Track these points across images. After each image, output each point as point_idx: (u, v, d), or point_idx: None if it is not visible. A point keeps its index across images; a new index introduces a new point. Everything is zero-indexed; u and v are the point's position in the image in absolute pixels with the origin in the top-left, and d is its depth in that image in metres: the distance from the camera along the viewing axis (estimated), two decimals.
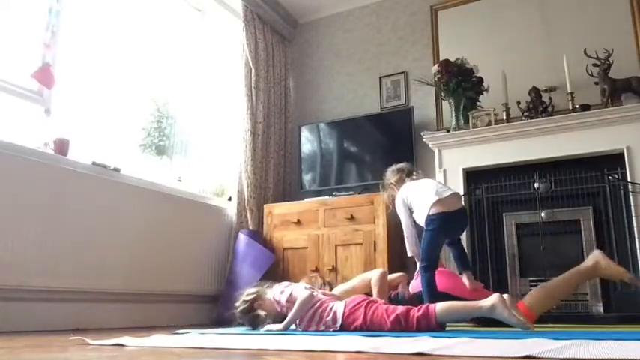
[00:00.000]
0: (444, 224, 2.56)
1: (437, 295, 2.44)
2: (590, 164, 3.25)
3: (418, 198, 2.68)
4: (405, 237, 2.77)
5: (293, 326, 2.29)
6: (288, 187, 4.39)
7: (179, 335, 2.08)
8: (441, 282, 2.54)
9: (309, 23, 4.84)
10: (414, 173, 2.92)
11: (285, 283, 2.43)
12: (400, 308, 2.06)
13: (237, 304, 2.41)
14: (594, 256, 2.47)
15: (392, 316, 2.03)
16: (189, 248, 3.54)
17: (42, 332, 2.44)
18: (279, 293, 2.33)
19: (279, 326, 2.24)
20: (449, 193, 2.61)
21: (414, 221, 2.74)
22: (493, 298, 1.97)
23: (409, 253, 2.78)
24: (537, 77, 3.60)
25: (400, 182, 2.89)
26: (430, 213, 2.54)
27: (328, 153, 4.27)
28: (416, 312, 2.01)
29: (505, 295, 2.01)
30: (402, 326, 2.00)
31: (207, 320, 3.63)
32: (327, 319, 2.17)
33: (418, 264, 2.66)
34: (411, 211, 2.73)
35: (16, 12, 2.94)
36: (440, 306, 2.02)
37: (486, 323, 2.33)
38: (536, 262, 3.32)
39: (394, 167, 3.00)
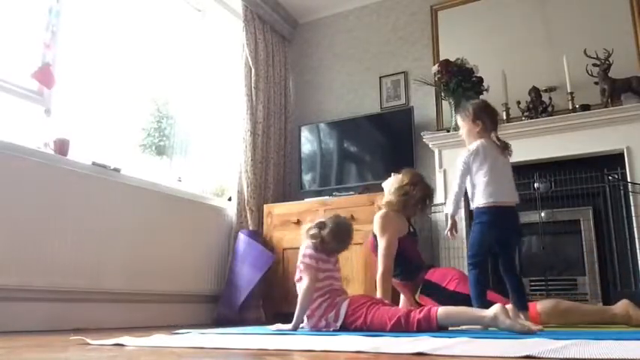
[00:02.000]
0: (499, 221, 2.35)
1: (484, 299, 2.28)
2: (590, 164, 3.26)
3: (487, 178, 2.38)
4: (454, 193, 2.47)
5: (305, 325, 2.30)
6: (288, 187, 4.39)
7: (179, 335, 2.08)
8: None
9: (309, 23, 4.84)
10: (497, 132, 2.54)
11: (311, 251, 2.29)
12: (402, 310, 2.07)
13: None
14: (624, 306, 2.30)
15: (393, 318, 2.03)
16: (189, 248, 3.54)
17: (42, 332, 2.44)
18: (306, 249, 2.31)
19: (289, 326, 2.24)
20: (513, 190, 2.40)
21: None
22: (495, 309, 1.92)
23: (450, 211, 2.50)
24: (537, 77, 3.60)
25: (481, 133, 2.49)
26: (490, 204, 2.33)
27: (328, 153, 4.27)
28: (417, 314, 2.01)
29: (508, 306, 2.00)
30: (402, 328, 2.00)
31: (208, 320, 3.63)
32: (330, 315, 2.17)
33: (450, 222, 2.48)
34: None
35: (16, 12, 2.94)
36: (442, 310, 2.01)
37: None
38: (536, 262, 3.32)
39: (482, 103, 2.62)
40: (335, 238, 2.29)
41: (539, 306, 2.37)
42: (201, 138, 4.22)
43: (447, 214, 2.57)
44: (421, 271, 2.68)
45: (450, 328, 2.08)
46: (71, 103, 3.16)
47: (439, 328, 1.98)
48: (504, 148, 2.49)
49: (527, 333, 1.87)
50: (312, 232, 2.30)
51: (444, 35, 4.14)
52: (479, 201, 2.41)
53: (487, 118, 2.51)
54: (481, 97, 3.72)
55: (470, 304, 2.32)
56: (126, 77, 3.58)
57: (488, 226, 2.37)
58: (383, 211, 2.69)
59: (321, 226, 2.31)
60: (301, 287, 2.25)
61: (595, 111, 3.28)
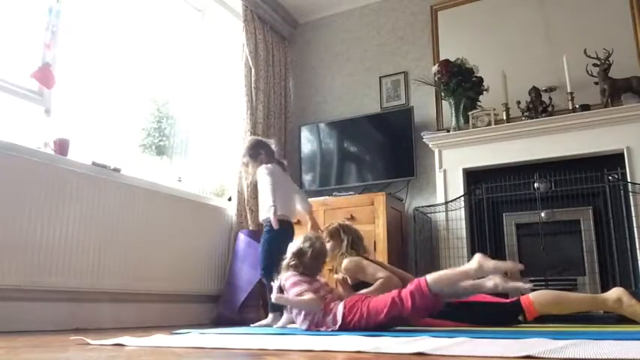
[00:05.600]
0: (289, 233, 2.95)
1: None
2: (590, 164, 3.25)
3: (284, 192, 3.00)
4: (272, 192, 2.92)
5: (297, 323, 2.30)
6: None
7: (179, 335, 2.08)
8: None
9: (309, 23, 4.84)
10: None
11: (299, 278, 2.31)
12: (394, 292, 2.10)
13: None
14: (617, 292, 2.32)
15: (388, 302, 2.06)
16: (189, 248, 3.54)
17: (42, 332, 2.44)
18: (289, 278, 2.31)
19: (267, 320, 2.30)
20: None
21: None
22: (477, 257, 2.02)
23: (272, 204, 2.90)
24: (537, 77, 3.60)
25: (266, 160, 3.08)
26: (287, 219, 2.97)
27: (328, 153, 4.27)
28: (407, 288, 2.06)
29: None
30: (398, 307, 2.02)
31: (207, 320, 3.63)
32: (328, 319, 2.18)
33: (273, 219, 2.87)
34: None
35: (16, 12, 2.95)
36: (430, 276, 2.06)
37: (482, 324, 2.33)
38: (536, 262, 3.32)
39: (253, 141, 3.19)
40: (316, 259, 2.36)
41: (533, 296, 2.38)
42: (201, 138, 4.21)
43: (274, 212, 2.90)
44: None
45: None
46: (71, 103, 3.16)
47: (433, 294, 2.02)
48: (284, 167, 3.18)
49: (511, 268, 1.99)
50: (293, 262, 2.35)
51: (444, 35, 4.14)
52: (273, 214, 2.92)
53: (263, 149, 3.11)
54: (481, 97, 3.74)
55: (468, 309, 2.35)
56: (126, 77, 3.58)
57: (282, 238, 2.81)
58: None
59: (299, 254, 2.35)
60: (306, 297, 2.23)
61: (595, 111, 3.28)
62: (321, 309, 2.20)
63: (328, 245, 2.71)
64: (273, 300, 2.27)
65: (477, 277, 2.07)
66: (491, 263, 1.99)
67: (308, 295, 2.21)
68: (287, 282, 2.31)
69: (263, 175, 3.02)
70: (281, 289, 2.31)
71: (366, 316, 2.09)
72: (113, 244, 3.01)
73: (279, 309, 2.77)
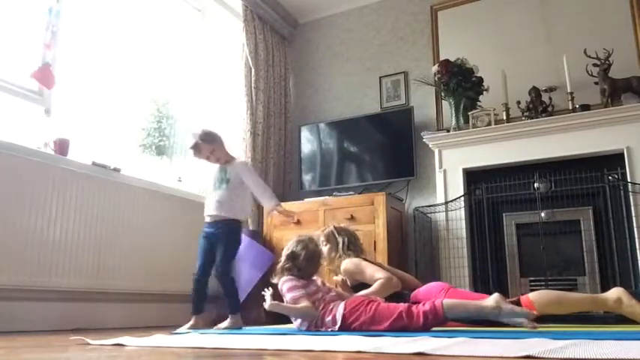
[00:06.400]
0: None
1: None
2: (590, 164, 3.25)
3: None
4: (266, 189, 2.90)
5: (295, 325, 2.29)
6: (288, 187, 4.39)
7: (179, 335, 2.08)
8: (463, 295, 2.56)
9: (309, 23, 4.84)
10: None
11: (295, 282, 2.30)
12: (402, 305, 2.07)
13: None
14: (617, 292, 2.32)
15: (394, 314, 2.03)
16: (189, 248, 3.52)
17: (42, 332, 2.44)
18: (285, 283, 2.30)
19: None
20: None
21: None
22: (495, 297, 2.02)
23: (276, 202, 2.88)
24: (537, 77, 3.60)
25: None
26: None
27: (328, 153, 4.27)
28: (421, 306, 2.03)
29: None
30: (404, 322, 2.00)
31: (207, 320, 3.62)
32: (327, 319, 2.17)
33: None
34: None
35: (16, 12, 2.95)
36: (447, 301, 2.04)
37: (482, 324, 2.33)
38: (536, 262, 3.32)
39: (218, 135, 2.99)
40: (310, 260, 2.34)
41: (532, 296, 2.37)
42: None
43: (276, 206, 2.89)
44: (404, 298, 2.66)
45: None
46: (71, 103, 3.16)
47: (446, 319, 2.00)
48: None
49: (526, 316, 1.95)
50: (287, 265, 2.34)
51: (444, 35, 4.14)
52: (243, 212, 2.91)
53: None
54: (481, 97, 3.74)
55: None
56: (126, 77, 3.58)
57: (239, 237, 2.87)
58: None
59: (292, 257, 2.34)
60: (301, 305, 2.22)
61: (595, 111, 3.28)
62: (320, 312, 2.19)
63: (325, 249, 2.71)
64: (266, 308, 2.26)
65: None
66: (508, 307, 2.01)
67: (304, 303, 2.20)
68: (283, 286, 2.30)
69: (251, 170, 2.98)
70: (274, 296, 2.30)
71: (369, 322, 2.08)
72: (113, 244, 3.01)
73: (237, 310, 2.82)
